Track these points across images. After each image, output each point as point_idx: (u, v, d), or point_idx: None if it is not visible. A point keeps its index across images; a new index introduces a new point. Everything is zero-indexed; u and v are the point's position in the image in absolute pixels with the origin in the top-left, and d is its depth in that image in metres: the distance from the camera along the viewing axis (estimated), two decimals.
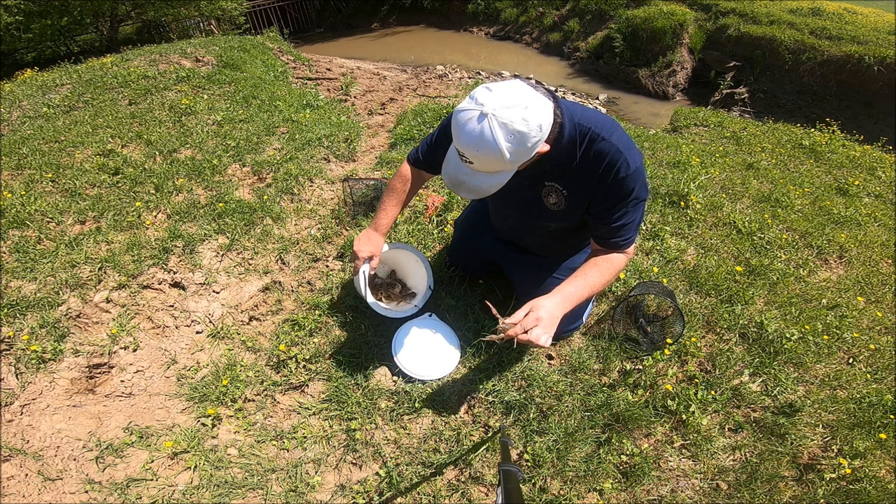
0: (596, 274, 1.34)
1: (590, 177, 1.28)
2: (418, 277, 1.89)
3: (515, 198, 1.49)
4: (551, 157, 1.23)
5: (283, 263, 2.18)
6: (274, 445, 1.53)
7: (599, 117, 1.27)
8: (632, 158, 1.24)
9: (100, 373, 1.70)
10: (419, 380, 1.65)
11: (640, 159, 1.27)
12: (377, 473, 1.45)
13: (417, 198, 2.53)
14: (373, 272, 1.66)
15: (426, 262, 1.86)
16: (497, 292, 1.95)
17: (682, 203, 2.56)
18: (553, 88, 8.53)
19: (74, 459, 1.44)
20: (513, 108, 1.06)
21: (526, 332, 1.18)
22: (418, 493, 1.40)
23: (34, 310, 1.80)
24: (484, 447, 1.47)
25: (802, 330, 1.86)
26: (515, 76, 9.11)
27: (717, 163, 3.20)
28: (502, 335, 1.20)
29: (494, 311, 1.27)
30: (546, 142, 1.17)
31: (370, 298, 1.68)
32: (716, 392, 1.65)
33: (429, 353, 1.70)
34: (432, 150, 1.55)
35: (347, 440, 1.53)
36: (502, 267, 1.86)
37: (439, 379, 1.67)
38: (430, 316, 1.81)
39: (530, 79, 8.96)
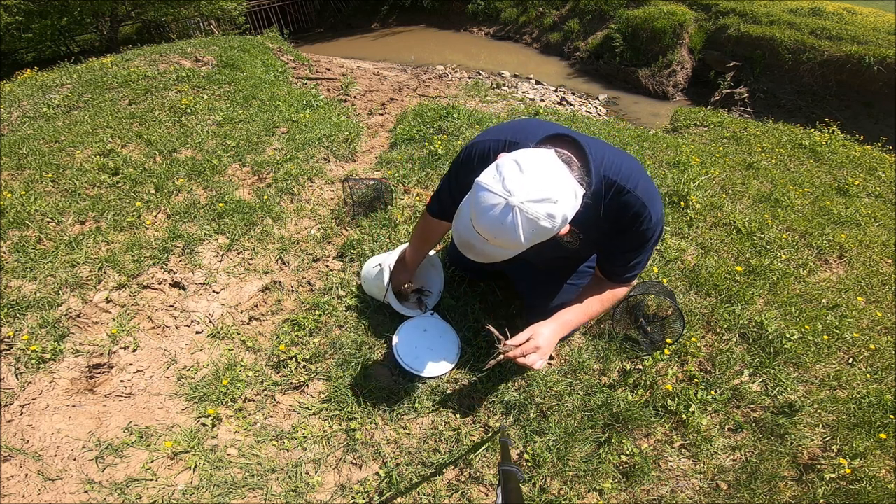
0: (597, 304, 1.44)
1: (611, 226, 1.28)
2: (430, 280, 1.92)
3: None
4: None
5: (283, 263, 2.18)
6: (274, 445, 1.53)
7: (625, 164, 1.23)
8: (654, 210, 1.24)
9: (100, 373, 1.70)
10: (419, 376, 1.65)
11: (661, 208, 1.27)
12: (377, 473, 1.45)
13: (418, 198, 2.53)
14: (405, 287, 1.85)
15: (440, 266, 1.91)
16: (497, 292, 1.95)
17: (682, 203, 2.56)
18: (553, 88, 8.53)
19: (74, 459, 1.44)
20: (542, 203, 0.99)
21: (525, 355, 1.31)
22: (418, 493, 1.40)
23: (34, 310, 1.80)
24: (484, 447, 1.47)
25: (802, 330, 1.86)
26: (515, 76, 9.10)
27: (717, 163, 3.20)
28: (501, 356, 1.33)
29: (496, 332, 1.36)
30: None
31: (391, 292, 1.73)
32: (716, 392, 1.65)
33: (429, 350, 1.71)
34: (439, 201, 1.54)
35: (347, 440, 1.53)
36: (503, 269, 1.87)
37: (439, 377, 1.67)
38: (431, 314, 1.81)
39: (530, 78, 8.94)
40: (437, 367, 1.67)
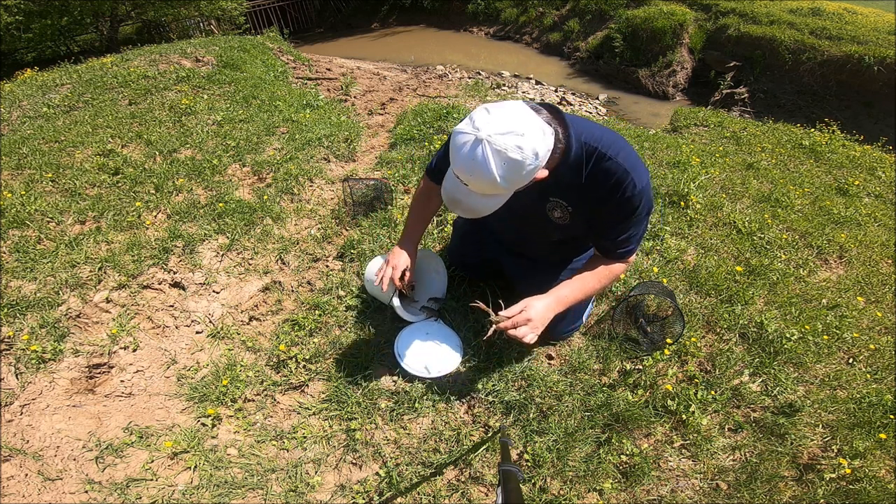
0: (593, 280, 1.41)
1: (596, 195, 1.29)
2: (434, 285, 1.91)
3: (519, 211, 1.49)
4: (557, 176, 1.24)
5: (283, 263, 2.18)
6: (274, 445, 1.53)
7: (606, 135, 1.26)
8: (638, 177, 1.24)
9: (100, 373, 1.70)
10: (420, 378, 1.65)
11: (646, 177, 1.27)
12: (377, 473, 1.45)
13: None
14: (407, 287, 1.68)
15: (444, 271, 1.89)
16: (497, 293, 1.95)
17: (682, 203, 2.56)
18: (553, 88, 8.53)
19: (74, 459, 1.44)
20: (508, 135, 1.06)
21: (516, 327, 1.29)
22: (418, 493, 1.40)
23: (34, 310, 1.80)
24: (484, 447, 1.47)
25: (802, 330, 1.86)
26: (515, 76, 9.10)
27: (717, 163, 3.20)
28: (494, 328, 1.32)
29: (483, 307, 1.35)
30: (546, 167, 1.17)
31: (396, 302, 1.66)
32: (716, 392, 1.65)
33: (431, 352, 1.70)
34: (442, 160, 1.55)
35: (347, 440, 1.53)
36: (502, 268, 1.87)
37: (440, 378, 1.67)
38: (435, 320, 1.82)
39: (530, 78, 8.94)
40: (439, 369, 1.67)
